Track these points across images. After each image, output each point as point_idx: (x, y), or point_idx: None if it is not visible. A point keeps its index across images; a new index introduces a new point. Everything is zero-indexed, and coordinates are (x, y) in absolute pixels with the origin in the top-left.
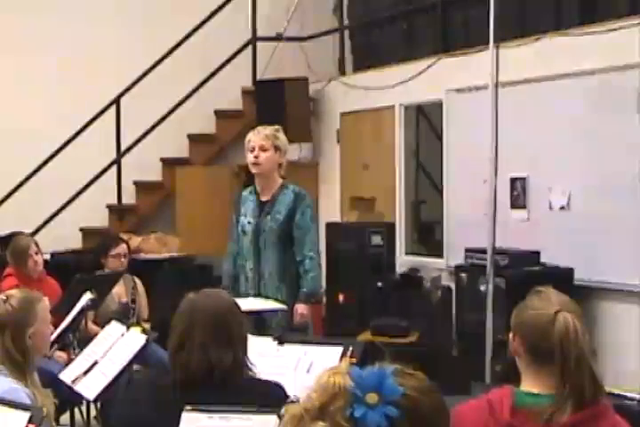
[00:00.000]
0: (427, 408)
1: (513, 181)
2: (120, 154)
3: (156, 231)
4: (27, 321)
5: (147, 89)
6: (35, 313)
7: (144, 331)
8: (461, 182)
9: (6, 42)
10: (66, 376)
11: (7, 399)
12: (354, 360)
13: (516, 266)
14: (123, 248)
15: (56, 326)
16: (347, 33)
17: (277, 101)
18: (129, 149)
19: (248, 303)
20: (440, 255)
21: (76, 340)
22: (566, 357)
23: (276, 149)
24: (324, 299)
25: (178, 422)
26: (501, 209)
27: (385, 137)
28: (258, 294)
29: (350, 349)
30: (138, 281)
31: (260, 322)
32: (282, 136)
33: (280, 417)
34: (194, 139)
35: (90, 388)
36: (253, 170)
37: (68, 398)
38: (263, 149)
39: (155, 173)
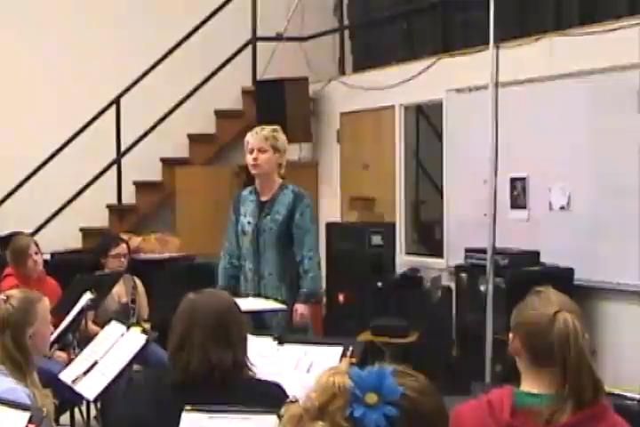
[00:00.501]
0: (426, 409)
1: (513, 181)
2: (120, 154)
3: (155, 231)
4: (27, 321)
5: (147, 89)
6: (35, 313)
7: (144, 331)
8: (461, 182)
9: (6, 42)
10: (66, 376)
11: (7, 399)
12: (354, 360)
13: (516, 266)
14: (123, 248)
15: (56, 326)
16: (347, 33)
17: (277, 101)
18: (129, 149)
19: (248, 303)
20: (440, 255)
21: (75, 340)
22: (566, 357)
23: (275, 149)
24: (324, 299)
25: (178, 422)
26: (501, 209)
27: (385, 137)
28: (258, 295)
29: (350, 349)
30: (138, 281)
31: (259, 322)
32: (281, 136)
33: (280, 417)
34: (194, 139)
35: (90, 388)
36: (252, 171)
37: (68, 398)
38: (261, 150)
39: (155, 173)
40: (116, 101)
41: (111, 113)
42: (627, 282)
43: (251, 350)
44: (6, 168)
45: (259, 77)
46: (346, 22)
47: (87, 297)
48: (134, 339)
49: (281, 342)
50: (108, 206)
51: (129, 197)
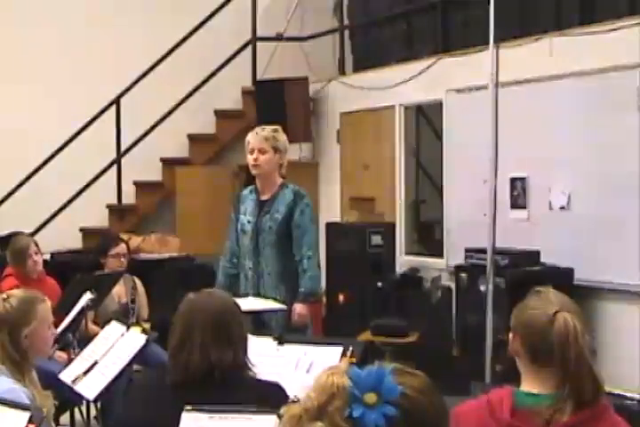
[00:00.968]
0: (426, 408)
1: (513, 181)
2: (120, 154)
3: (155, 231)
4: (23, 320)
5: (147, 89)
6: (33, 313)
7: (144, 331)
8: (461, 182)
9: (6, 42)
10: (66, 376)
11: (7, 399)
12: (353, 360)
13: (516, 266)
14: (122, 248)
15: (56, 326)
16: (347, 33)
17: (277, 101)
18: (129, 149)
19: (248, 303)
20: (440, 255)
21: (75, 340)
22: (566, 357)
23: (276, 150)
24: (324, 299)
25: (178, 423)
26: (501, 209)
27: (385, 137)
28: (257, 294)
29: (350, 349)
30: (138, 281)
31: (259, 322)
32: (281, 137)
33: (280, 417)
34: (194, 139)
35: (90, 388)
36: (253, 171)
37: (68, 398)
38: (262, 151)
39: (155, 173)
40: (116, 101)
41: (111, 113)
42: (627, 282)
43: (251, 350)
44: (6, 168)
45: (259, 77)
46: (346, 22)
47: (87, 297)
48: (134, 339)
49: (281, 342)
50: (108, 206)
51: (129, 197)
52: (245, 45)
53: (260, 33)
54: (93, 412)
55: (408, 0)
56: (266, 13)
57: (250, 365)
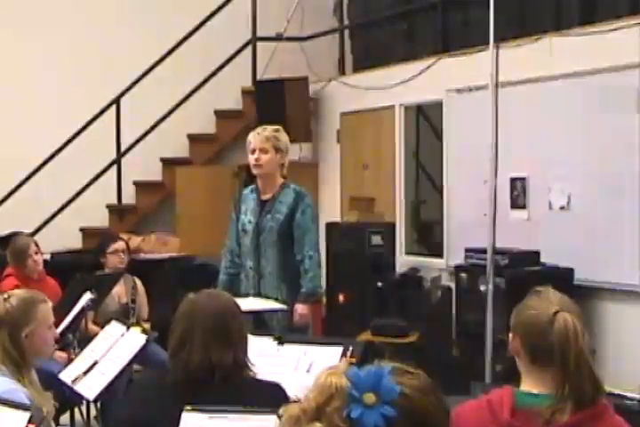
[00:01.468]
0: (425, 408)
1: (513, 181)
2: (120, 154)
3: (155, 231)
4: (23, 321)
5: (147, 89)
6: (33, 313)
7: (144, 331)
8: (461, 182)
9: (6, 42)
10: (66, 376)
11: (7, 399)
12: (353, 360)
13: (516, 266)
14: (120, 244)
15: (56, 326)
16: (347, 33)
17: (277, 101)
18: (129, 149)
19: (248, 303)
20: (440, 255)
21: (75, 340)
22: (566, 357)
23: (277, 150)
24: (324, 299)
25: (178, 422)
26: (501, 209)
27: (385, 137)
28: (258, 294)
29: (350, 349)
30: (138, 281)
31: (260, 322)
32: (283, 137)
33: (279, 417)
34: (194, 139)
35: (90, 388)
36: (254, 171)
37: (68, 398)
38: (263, 151)
39: (155, 173)
40: (116, 101)
41: (111, 113)
42: (627, 282)
43: (251, 350)
44: (6, 168)
45: (259, 77)
46: (346, 22)
47: (87, 297)
48: (134, 339)
49: (281, 342)
50: (108, 206)
51: (129, 197)
52: (245, 45)
53: (260, 33)
54: (93, 412)
55: (408, 0)
56: (266, 13)
57: (250, 365)
